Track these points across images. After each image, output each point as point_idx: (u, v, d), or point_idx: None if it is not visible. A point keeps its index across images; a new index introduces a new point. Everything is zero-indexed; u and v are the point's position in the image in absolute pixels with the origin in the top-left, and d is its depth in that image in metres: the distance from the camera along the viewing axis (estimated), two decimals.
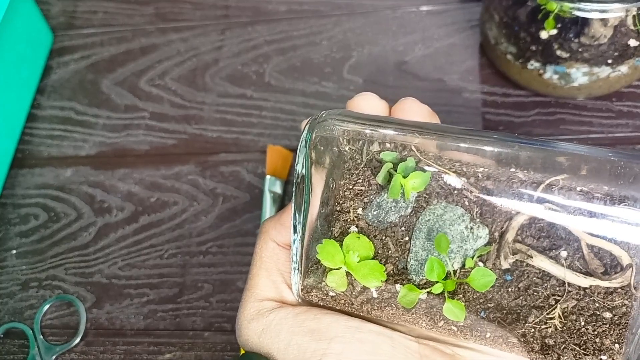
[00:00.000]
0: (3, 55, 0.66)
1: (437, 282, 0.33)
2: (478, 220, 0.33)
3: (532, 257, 0.32)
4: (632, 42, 0.55)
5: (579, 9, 0.52)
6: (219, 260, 0.61)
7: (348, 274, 0.35)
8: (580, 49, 0.55)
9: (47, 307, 0.61)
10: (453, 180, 0.34)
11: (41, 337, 0.60)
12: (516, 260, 0.33)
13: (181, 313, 0.60)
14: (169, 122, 0.68)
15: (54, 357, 0.59)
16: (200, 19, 0.74)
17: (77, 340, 0.60)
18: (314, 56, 0.69)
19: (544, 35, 0.56)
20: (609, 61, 0.56)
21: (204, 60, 0.71)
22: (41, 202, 0.67)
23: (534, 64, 0.59)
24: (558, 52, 0.56)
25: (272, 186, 0.62)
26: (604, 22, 0.53)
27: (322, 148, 0.36)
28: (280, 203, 0.62)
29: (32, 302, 0.62)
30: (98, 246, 0.64)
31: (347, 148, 0.36)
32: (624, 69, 0.57)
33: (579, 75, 0.58)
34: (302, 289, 0.37)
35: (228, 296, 0.60)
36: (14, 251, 0.65)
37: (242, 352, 0.56)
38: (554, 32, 0.55)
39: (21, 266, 0.64)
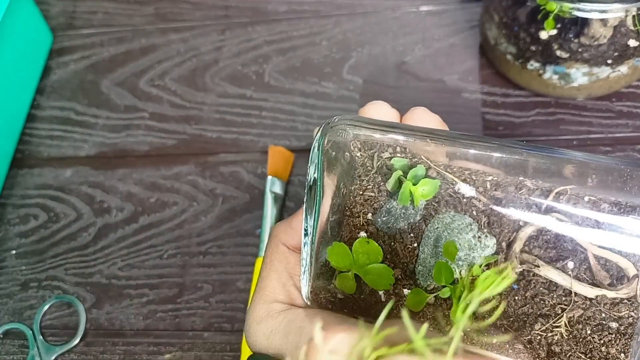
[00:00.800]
0: (3, 55, 0.66)
1: (444, 286, 0.34)
2: (486, 230, 0.33)
3: (539, 267, 0.33)
4: (632, 43, 0.55)
5: (578, 9, 0.52)
6: (218, 260, 0.61)
7: (357, 277, 0.35)
8: (580, 49, 0.55)
9: (46, 307, 0.61)
10: (462, 189, 0.34)
11: (41, 337, 0.60)
12: (523, 270, 0.33)
13: (181, 313, 0.60)
14: (168, 122, 0.68)
15: (53, 357, 0.59)
16: (200, 19, 0.73)
17: (77, 340, 0.60)
18: (314, 56, 0.69)
19: (543, 35, 0.56)
20: (609, 61, 0.56)
21: (204, 61, 0.71)
22: (41, 203, 0.66)
23: (533, 64, 0.59)
24: (558, 53, 0.56)
25: (273, 187, 0.62)
26: (604, 22, 0.53)
27: (333, 153, 0.36)
28: (282, 204, 0.62)
29: (32, 303, 0.62)
30: (98, 246, 0.64)
31: (358, 154, 0.36)
32: (623, 69, 0.57)
33: (579, 75, 0.58)
34: (311, 291, 0.37)
35: (228, 296, 0.60)
36: (14, 251, 0.65)
37: (243, 352, 0.56)
38: (554, 32, 0.55)
39: (21, 266, 0.64)
